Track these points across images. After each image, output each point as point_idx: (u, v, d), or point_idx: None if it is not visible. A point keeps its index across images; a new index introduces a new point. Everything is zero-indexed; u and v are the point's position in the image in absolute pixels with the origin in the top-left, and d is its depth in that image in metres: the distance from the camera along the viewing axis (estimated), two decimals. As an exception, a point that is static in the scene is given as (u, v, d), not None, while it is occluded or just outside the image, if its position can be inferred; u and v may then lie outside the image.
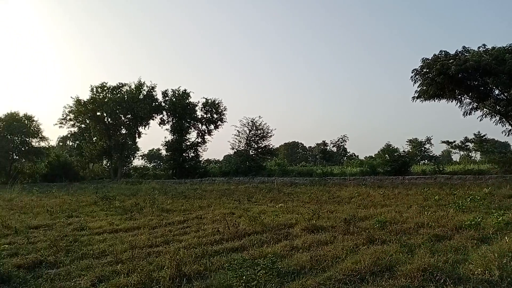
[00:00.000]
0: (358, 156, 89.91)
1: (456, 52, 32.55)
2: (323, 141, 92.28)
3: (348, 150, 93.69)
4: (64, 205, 18.42)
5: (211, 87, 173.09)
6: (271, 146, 51.54)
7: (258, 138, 50.50)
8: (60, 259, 8.26)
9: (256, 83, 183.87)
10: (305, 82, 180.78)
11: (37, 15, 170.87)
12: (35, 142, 52.37)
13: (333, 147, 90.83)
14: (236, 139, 51.17)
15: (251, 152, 50.66)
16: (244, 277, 5.89)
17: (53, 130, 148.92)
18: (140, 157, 73.23)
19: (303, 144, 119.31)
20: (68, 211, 16.14)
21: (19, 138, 50.98)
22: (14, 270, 7.39)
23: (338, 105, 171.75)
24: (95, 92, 53.38)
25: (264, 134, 50.46)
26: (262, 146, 50.73)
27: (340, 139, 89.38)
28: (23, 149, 51.27)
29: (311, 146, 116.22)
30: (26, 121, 51.22)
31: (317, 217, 12.18)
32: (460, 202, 13.86)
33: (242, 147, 50.85)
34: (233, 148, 51.95)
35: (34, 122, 51.90)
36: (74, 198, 22.11)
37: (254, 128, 50.40)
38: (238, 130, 50.96)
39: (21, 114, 51.31)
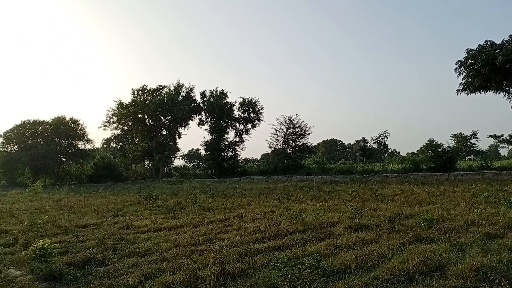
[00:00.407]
0: (399, 152, 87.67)
1: (502, 41, 30.91)
2: (362, 138, 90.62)
3: (389, 147, 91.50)
4: (110, 205, 19.07)
5: (247, 86, 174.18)
6: (309, 144, 51.09)
7: (295, 136, 50.19)
8: (108, 257, 8.53)
9: (292, 81, 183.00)
10: (342, 78, 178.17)
11: (81, 21, 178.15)
12: (81, 145, 54.84)
13: (373, 143, 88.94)
14: (274, 137, 51.14)
15: (289, 150, 50.44)
16: (289, 276, 5.83)
17: (97, 133, 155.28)
18: (180, 157, 74.77)
19: (342, 142, 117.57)
20: (114, 211, 16.68)
21: (66, 141, 53.47)
22: (65, 268, 7.69)
23: (378, 101, 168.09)
24: (136, 95, 55.08)
25: (302, 132, 50.09)
26: (300, 144, 50.37)
27: (381, 136, 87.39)
28: (70, 151, 53.73)
29: (350, 143, 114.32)
30: (72, 125, 53.62)
31: (360, 216, 11.92)
32: (511, 199, 13.16)
33: (280, 145, 50.73)
34: (270, 147, 51.95)
35: (80, 126, 54.33)
36: (119, 198, 22.85)
37: (292, 126, 50.13)
38: (275, 129, 50.91)
39: (67, 118, 53.81)
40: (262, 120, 55.28)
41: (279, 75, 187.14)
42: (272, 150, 52.03)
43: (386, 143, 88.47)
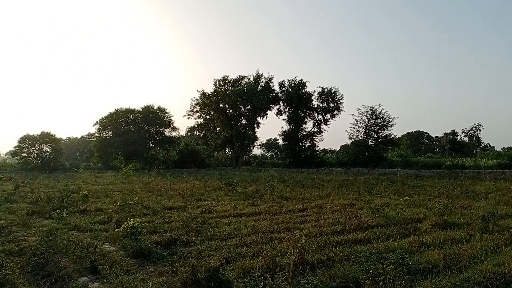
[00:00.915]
0: (494, 147, 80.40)
1: None
2: (452, 130, 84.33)
3: (482, 141, 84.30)
4: (194, 189, 19.97)
5: (327, 75, 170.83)
6: (392, 135, 48.71)
7: (378, 127, 48.20)
8: (191, 238, 8.92)
9: (374, 70, 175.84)
10: (429, 65, 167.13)
11: (161, 17, 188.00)
12: (167, 132, 58.12)
13: (464, 136, 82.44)
14: (354, 128, 49.63)
15: (370, 142, 48.66)
16: (371, 271, 5.61)
17: (182, 121, 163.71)
18: (259, 146, 75.87)
19: (428, 134, 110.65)
20: (197, 195, 17.44)
21: (154, 128, 56.95)
22: (153, 246, 8.19)
23: (469, 90, 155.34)
24: (217, 85, 56.86)
25: (385, 123, 47.91)
26: (382, 135, 48.27)
27: (473, 128, 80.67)
28: (157, 138, 57.21)
29: (437, 136, 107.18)
30: (159, 113, 56.95)
31: (449, 213, 11.15)
32: None
33: (361, 136, 49.14)
34: (350, 138, 50.54)
35: (167, 114, 57.50)
36: (202, 183, 23.83)
37: (374, 116, 48.20)
38: (356, 119, 49.36)
39: (155, 107, 57.21)
40: (342, 110, 53.99)
41: (360, 64, 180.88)
42: (352, 142, 50.60)
43: (479, 136, 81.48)
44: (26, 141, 51.36)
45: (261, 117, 56.25)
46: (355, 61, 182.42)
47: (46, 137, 52.33)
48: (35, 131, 53.91)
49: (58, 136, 54.92)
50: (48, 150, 52.86)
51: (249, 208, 13.49)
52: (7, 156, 61.78)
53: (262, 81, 55.22)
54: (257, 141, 63.42)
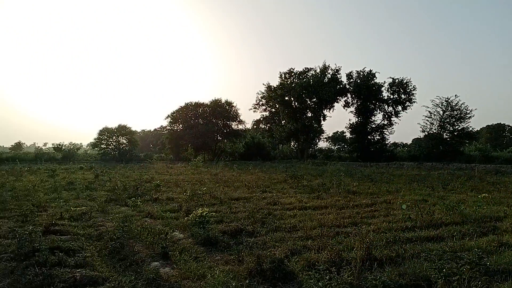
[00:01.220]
0: None
1: None
2: (539, 123, 76.95)
3: None
4: (259, 181, 20.19)
5: (398, 66, 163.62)
6: (469, 128, 45.55)
7: (454, 120, 45.34)
8: (257, 229, 9.03)
9: (448, 60, 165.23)
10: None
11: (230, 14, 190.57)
12: (234, 125, 59.23)
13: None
14: (428, 120, 47.16)
15: (445, 135, 45.94)
16: (444, 270, 5.29)
17: (248, 114, 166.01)
18: (325, 139, 74.81)
19: (510, 127, 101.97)
20: (262, 187, 17.61)
21: (222, 122, 58.34)
22: (220, 235, 8.41)
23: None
24: (283, 78, 56.80)
25: (461, 115, 44.94)
26: (459, 128, 45.33)
27: None
28: (225, 131, 58.56)
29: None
30: (227, 107, 58.19)
31: (534, 212, 10.20)
32: None
33: (435, 129, 46.56)
34: (423, 131, 48.09)
35: (233, 108, 58.60)
36: (267, 175, 24.02)
37: (449, 108, 45.40)
38: (429, 111, 46.85)
39: (223, 101, 58.54)
40: (414, 101, 51.50)
41: (433, 54, 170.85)
42: (425, 135, 48.13)
43: None
44: (105, 133, 55.18)
45: (328, 110, 55.36)
46: (426, 52, 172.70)
47: (122, 130, 55.81)
48: (113, 124, 57.64)
49: (133, 128, 58.36)
50: (125, 142, 56.37)
51: (314, 202, 13.35)
52: (88, 147, 66.84)
53: (328, 73, 54.26)
54: (323, 134, 62.66)
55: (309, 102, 55.30)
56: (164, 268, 6.49)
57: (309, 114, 56.41)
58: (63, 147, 59.08)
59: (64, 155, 52.90)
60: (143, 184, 17.73)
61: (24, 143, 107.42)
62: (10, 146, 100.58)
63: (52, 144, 60.83)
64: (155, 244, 7.61)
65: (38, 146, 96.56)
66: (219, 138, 59.46)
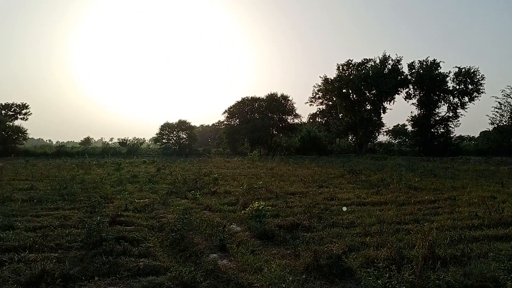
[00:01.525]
0: None
1: None
2: None
3: None
4: (315, 176, 20.00)
5: (464, 54, 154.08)
6: (546, 120, 41.98)
7: (527, 111, 42.02)
8: (313, 224, 8.97)
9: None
10: None
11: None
12: (290, 119, 59.06)
13: None
14: (497, 112, 44.01)
15: (518, 127, 42.67)
16: (515, 271, 4.96)
17: (304, 108, 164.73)
18: (385, 133, 72.40)
19: None
20: (319, 182, 17.42)
21: (278, 116, 58.41)
22: (276, 229, 8.45)
23: None
24: (341, 70, 55.59)
25: (536, 105, 41.53)
26: (533, 120, 41.93)
27: None
28: (280, 125, 58.58)
29: None
30: (282, 101, 58.12)
31: None
32: None
33: (505, 121, 43.36)
34: (492, 123, 44.96)
35: (289, 101, 58.40)
36: (323, 170, 23.74)
37: (522, 98, 42.10)
38: (499, 102, 43.69)
39: (278, 95, 58.54)
40: (482, 92, 48.31)
41: (505, 41, 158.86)
42: (495, 127, 45.00)
43: None
44: (166, 128, 57.38)
45: (388, 102, 53.41)
46: (497, 38, 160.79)
47: (182, 125, 57.71)
48: (174, 119, 59.69)
49: (192, 124, 60.14)
50: (184, 136, 58.26)
51: (373, 197, 13.00)
52: (150, 142, 70.02)
53: (389, 63, 52.32)
54: (382, 127, 60.72)
55: (368, 94, 53.73)
56: (222, 260, 6.65)
57: (368, 107, 54.83)
58: (128, 142, 62.28)
59: (129, 150, 55.75)
60: (202, 177, 18.25)
61: (93, 138, 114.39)
62: (80, 141, 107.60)
63: (118, 139, 64.42)
64: (213, 236, 7.82)
65: (105, 141, 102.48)
66: (274, 132, 59.57)
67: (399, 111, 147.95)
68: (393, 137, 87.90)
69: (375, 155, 47.01)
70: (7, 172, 21.92)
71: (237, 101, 59.39)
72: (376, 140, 63.83)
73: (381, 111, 54.09)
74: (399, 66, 52.10)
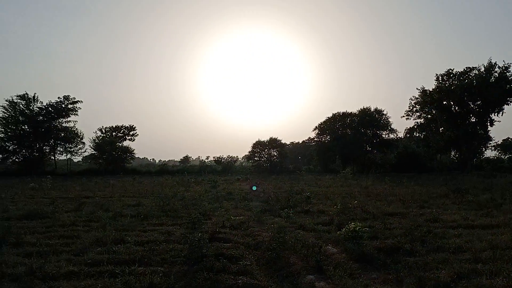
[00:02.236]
0: None
1: None
2: None
3: None
4: (415, 195, 18.81)
5: None
6: None
7: None
8: (416, 248, 8.38)
9: None
10: None
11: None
12: (384, 134, 56.61)
13: None
14: None
15: None
16: None
17: (400, 122, 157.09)
18: (493, 148, 65.95)
19: None
20: (420, 202, 16.34)
21: (371, 131, 56.41)
22: (375, 252, 8.06)
23: None
24: (440, 81, 52.20)
25: None
26: None
27: None
28: (374, 141, 56.43)
29: None
30: (376, 115, 56.05)
31: None
32: None
33: None
34: None
35: (384, 116, 56.11)
36: (424, 189, 22.25)
37: None
38: None
39: (372, 109, 56.61)
40: None
41: None
42: None
43: None
44: (258, 146, 58.69)
45: (495, 113, 48.67)
46: None
47: (273, 143, 58.55)
48: (265, 137, 60.91)
49: (283, 141, 60.75)
50: (275, 154, 59.00)
51: (482, 220, 11.82)
52: (243, 159, 72.27)
53: (495, 72, 47.84)
54: (490, 142, 55.30)
55: (472, 106, 49.56)
56: (319, 282, 6.51)
57: (473, 119, 50.48)
58: (222, 160, 64.87)
59: (223, 167, 58.08)
60: (294, 195, 18.23)
61: (191, 157, 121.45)
62: (180, 160, 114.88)
63: (214, 157, 67.47)
64: (309, 257, 7.71)
65: (202, 159, 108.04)
66: (368, 148, 57.51)
67: (510, 123, 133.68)
68: (503, 152, 79.60)
69: (481, 172, 42.91)
70: (117, 189, 24.19)
71: (328, 117, 58.69)
72: (483, 156, 58.28)
73: (488, 124, 49.41)
74: (507, 73, 47.35)
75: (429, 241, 8.98)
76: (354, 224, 8.58)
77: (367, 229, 9.66)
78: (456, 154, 56.33)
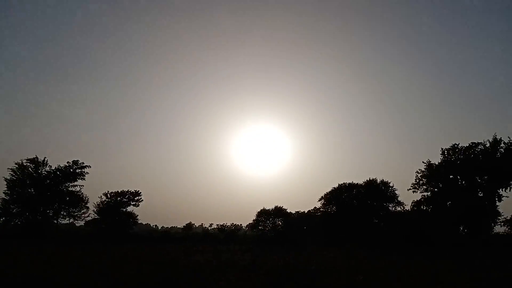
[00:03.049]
0: None
1: None
2: None
3: None
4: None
5: None
6: None
7: None
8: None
9: None
10: None
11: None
12: (391, 207, 55.72)
13: None
14: None
15: None
16: None
17: (407, 195, 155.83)
18: (501, 224, 64.17)
19: None
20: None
21: (377, 203, 55.66)
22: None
23: None
24: (446, 155, 52.44)
25: None
26: None
27: None
28: (381, 213, 55.43)
29: None
30: (383, 187, 55.64)
31: None
32: None
33: None
34: None
35: (390, 188, 55.67)
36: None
37: None
38: None
39: (378, 181, 56.29)
40: None
41: None
42: None
43: None
44: (263, 214, 57.92)
45: (503, 189, 48.14)
46: None
47: (278, 212, 57.87)
48: (270, 206, 60.09)
49: (288, 210, 59.94)
50: (280, 223, 58.02)
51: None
52: (247, 228, 71.09)
53: (501, 147, 48.17)
54: (499, 217, 54.08)
55: (479, 180, 49.24)
56: None
57: (480, 194, 49.87)
58: (226, 228, 63.85)
59: (226, 235, 57.03)
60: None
61: (194, 224, 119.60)
62: (182, 227, 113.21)
63: (217, 225, 66.46)
64: None
65: (205, 227, 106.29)
66: (375, 221, 56.34)
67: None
68: (512, 229, 77.57)
69: (489, 249, 41.44)
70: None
71: (334, 187, 58.20)
72: (493, 231, 56.70)
73: (496, 199, 48.75)
74: (513, 149, 47.57)
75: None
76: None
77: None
78: (464, 230, 54.92)
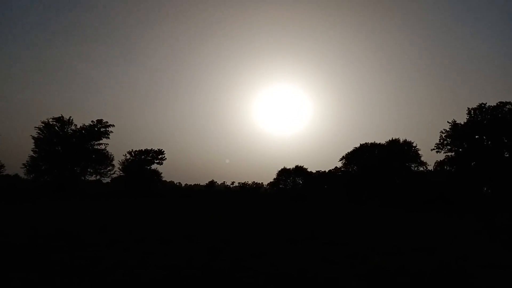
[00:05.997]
0: None
1: None
2: None
3: None
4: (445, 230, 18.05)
5: None
6: None
7: None
8: None
9: None
10: None
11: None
12: (413, 167, 55.27)
13: None
14: None
15: None
16: None
17: (430, 155, 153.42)
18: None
19: None
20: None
21: (400, 163, 55.25)
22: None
23: None
24: (472, 115, 51.00)
25: None
26: None
27: None
28: (403, 173, 55.14)
29: None
30: (405, 147, 54.99)
31: None
32: None
33: None
34: None
35: (413, 148, 54.95)
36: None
37: None
38: None
39: (401, 140, 55.57)
40: None
41: None
42: None
43: None
44: (283, 173, 58.55)
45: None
46: None
47: (299, 171, 58.31)
48: (291, 165, 60.62)
49: (309, 169, 60.39)
50: (300, 182, 58.64)
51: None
52: (268, 186, 72.18)
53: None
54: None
55: (506, 140, 47.97)
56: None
57: (506, 155, 48.75)
58: (247, 186, 64.95)
59: (248, 193, 58.17)
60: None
61: (216, 182, 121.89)
62: (205, 184, 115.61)
63: (239, 183, 67.64)
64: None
65: (227, 184, 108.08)
66: (396, 181, 56.19)
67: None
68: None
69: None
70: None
71: (355, 147, 57.98)
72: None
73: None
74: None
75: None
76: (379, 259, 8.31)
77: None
78: (488, 190, 54.25)
